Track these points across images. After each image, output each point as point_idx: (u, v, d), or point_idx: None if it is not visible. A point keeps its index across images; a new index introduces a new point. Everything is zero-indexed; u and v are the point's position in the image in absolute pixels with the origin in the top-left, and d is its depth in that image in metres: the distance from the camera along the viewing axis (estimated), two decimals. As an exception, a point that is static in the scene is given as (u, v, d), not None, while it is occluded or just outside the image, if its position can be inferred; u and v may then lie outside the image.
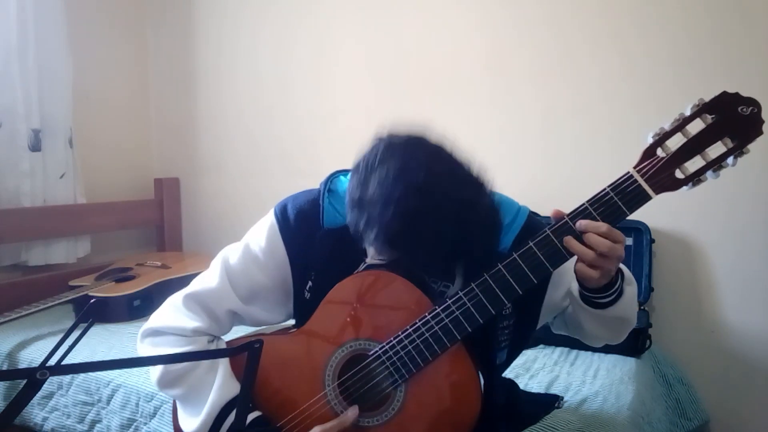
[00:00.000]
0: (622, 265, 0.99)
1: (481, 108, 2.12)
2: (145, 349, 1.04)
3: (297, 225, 1.02)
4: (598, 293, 0.96)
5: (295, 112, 2.51)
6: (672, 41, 1.84)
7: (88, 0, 2.55)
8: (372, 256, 1.00)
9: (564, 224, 0.88)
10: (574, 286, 1.00)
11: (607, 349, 1.68)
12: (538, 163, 2.06)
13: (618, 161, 1.88)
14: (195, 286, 1.06)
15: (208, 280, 1.05)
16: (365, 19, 2.32)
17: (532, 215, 1.05)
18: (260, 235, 1.05)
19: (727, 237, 1.82)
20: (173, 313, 1.04)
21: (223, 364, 1.00)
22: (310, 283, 1.02)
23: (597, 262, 0.87)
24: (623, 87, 1.91)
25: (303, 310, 1.03)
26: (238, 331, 1.10)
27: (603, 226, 0.86)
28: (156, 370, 1.00)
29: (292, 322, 1.13)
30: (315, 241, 1.00)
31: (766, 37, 1.72)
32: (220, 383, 0.98)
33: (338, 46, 2.39)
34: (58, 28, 2.30)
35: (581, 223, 0.87)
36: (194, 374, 0.99)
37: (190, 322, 1.02)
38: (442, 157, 0.90)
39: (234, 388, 0.98)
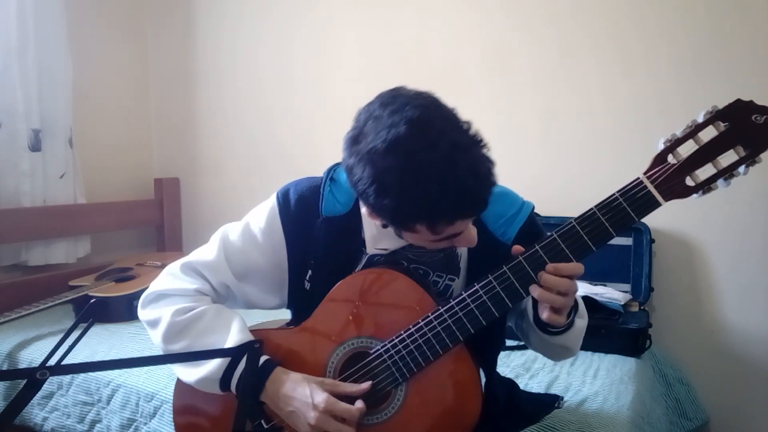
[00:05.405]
0: (578, 297, 1.01)
1: (481, 108, 2.11)
2: (150, 313, 1.03)
3: (297, 211, 1.03)
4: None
5: (295, 112, 2.51)
6: (672, 41, 1.84)
7: (88, 0, 2.55)
8: (371, 245, 1.00)
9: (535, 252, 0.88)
10: (529, 306, 0.99)
11: (607, 349, 1.68)
12: (537, 163, 2.06)
13: (617, 161, 1.92)
14: (192, 256, 1.07)
15: (205, 253, 1.07)
16: (365, 19, 2.33)
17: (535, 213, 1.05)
18: (261, 216, 1.06)
19: (727, 237, 1.82)
20: (172, 279, 1.05)
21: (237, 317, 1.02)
22: (309, 272, 1.02)
23: (557, 302, 0.87)
24: (623, 87, 1.91)
25: (302, 300, 1.04)
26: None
27: (561, 269, 0.86)
28: (162, 325, 1.00)
29: (288, 315, 1.13)
30: (313, 228, 1.01)
31: (765, 38, 1.72)
32: (240, 327, 0.99)
33: (338, 46, 2.39)
34: (58, 28, 2.30)
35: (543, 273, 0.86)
36: (202, 321, 1.00)
37: (192, 284, 1.03)
38: (440, 106, 0.89)
39: (250, 336, 0.99)
